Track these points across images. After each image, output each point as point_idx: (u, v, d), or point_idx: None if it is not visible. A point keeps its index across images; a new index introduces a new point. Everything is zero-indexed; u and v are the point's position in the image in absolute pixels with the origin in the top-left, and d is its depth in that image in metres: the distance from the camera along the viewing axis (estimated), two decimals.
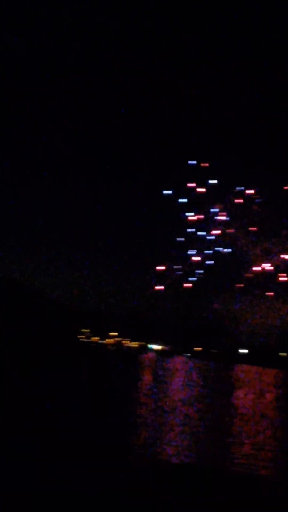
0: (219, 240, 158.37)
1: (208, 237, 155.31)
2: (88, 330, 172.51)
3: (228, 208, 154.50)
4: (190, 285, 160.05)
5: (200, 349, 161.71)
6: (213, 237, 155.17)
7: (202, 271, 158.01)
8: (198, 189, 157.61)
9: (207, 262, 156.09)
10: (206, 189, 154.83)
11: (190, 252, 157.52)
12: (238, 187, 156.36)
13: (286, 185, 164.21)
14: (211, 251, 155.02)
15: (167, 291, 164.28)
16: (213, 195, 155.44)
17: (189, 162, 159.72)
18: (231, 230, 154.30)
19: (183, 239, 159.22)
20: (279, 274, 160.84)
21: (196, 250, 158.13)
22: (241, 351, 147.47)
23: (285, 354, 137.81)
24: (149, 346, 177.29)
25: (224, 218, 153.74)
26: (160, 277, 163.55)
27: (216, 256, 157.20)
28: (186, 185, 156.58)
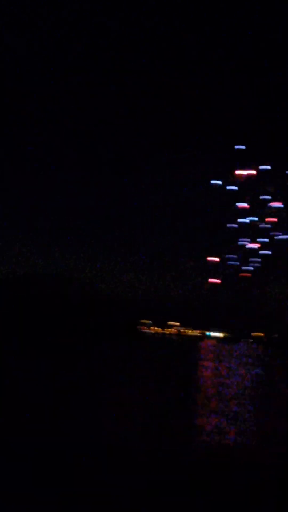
0: (276, 227, 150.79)
1: (262, 225, 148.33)
2: (148, 321, 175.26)
3: (283, 194, 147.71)
4: (248, 274, 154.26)
5: (261, 334, 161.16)
6: (268, 225, 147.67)
7: (259, 260, 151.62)
8: (248, 174, 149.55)
9: (263, 251, 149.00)
10: (257, 174, 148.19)
11: (242, 241, 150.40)
12: None
13: None
14: (266, 240, 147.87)
15: (223, 283, 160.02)
16: (265, 181, 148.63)
17: (236, 147, 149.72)
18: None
19: (236, 225, 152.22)
20: None
21: (250, 239, 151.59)
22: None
23: None
24: (208, 333, 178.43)
25: (278, 205, 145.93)
26: (215, 269, 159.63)
27: (274, 244, 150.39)
28: (234, 172, 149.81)
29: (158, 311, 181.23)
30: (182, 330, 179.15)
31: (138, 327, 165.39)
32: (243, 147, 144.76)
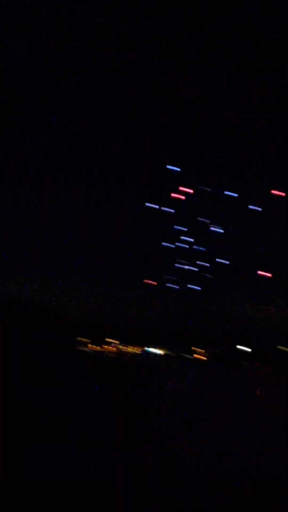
0: (215, 251, 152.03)
1: (200, 248, 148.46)
2: (84, 339, 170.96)
3: (219, 217, 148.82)
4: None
5: (201, 350, 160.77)
6: (204, 249, 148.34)
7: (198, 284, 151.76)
8: (185, 196, 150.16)
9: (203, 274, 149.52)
10: (196, 196, 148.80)
11: (179, 264, 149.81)
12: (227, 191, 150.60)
13: (273, 189, 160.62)
14: (208, 264, 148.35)
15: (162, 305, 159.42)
16: (204, 203, 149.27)
17: (171, 167, 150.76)
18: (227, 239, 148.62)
19: (173, 246, 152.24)
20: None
21: (188, 262, 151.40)
22: (243, 348, 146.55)
23: (284, 348, 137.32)
24: (148, 349, 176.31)
25: (216, 229, 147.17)
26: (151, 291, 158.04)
27: (214, 267, 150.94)
28: (170, 194, 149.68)
29: (95, 328, 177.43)
30: (121, 347, 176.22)
31: (75, 345, 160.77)
32: (178, 169, 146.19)
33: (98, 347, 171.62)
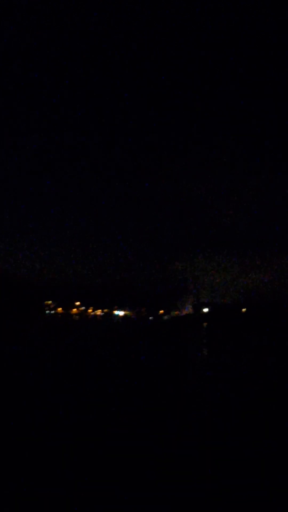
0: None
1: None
2: (51, 302, 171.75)
3: None
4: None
5: (162, 312, 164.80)
6: None
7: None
8: None
9: None
10: None
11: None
12: None
13: None
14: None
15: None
16: None
17: None
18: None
19: None
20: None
21: None
22: (204, 310, 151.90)
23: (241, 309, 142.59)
24: (115, 312, 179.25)
25: None
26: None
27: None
28: None
29: (63, 291, 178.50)
30: (88, 310, 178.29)
31: (42, 308, 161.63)
32: None
33: (65, 310, 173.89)
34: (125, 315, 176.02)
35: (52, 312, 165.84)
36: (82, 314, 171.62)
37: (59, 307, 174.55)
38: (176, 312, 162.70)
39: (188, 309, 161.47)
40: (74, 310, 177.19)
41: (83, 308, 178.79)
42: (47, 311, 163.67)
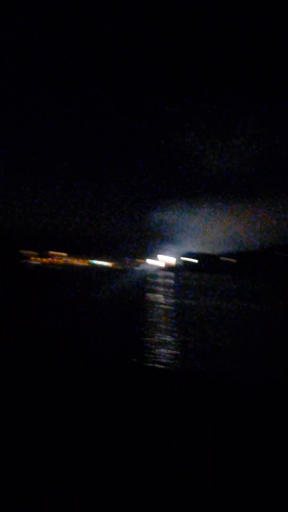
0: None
1: None
2: (29, 251, 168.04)
3: None
4: None
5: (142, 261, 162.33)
6: None
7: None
8: None
9: None
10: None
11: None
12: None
13: None
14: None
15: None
16: None
17: None
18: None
19: None
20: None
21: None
22: (192, 260, 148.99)
23: (227, 259, 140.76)
24: (93, 262, 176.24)
25: None
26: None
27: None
28: None
29: (41, 241, 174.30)
30: (68, 260, 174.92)
31: (20, 258, 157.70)
32: None
33: (44, 260, 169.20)
34: (107, 265, 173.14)
35: (33, 262, 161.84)
36: (64, 263, 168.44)
37: (39, 257, 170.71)
38: (163, 262, 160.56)
39: (175, 260, 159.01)
40: (54, 260, 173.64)
41: (65, 258, 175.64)
42: (25, 260, 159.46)
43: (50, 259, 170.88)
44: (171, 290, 41.49)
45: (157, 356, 11.66)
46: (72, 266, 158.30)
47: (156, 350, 12.51)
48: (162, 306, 24.58)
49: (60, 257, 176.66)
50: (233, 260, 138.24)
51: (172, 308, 23.73)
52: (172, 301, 28.29)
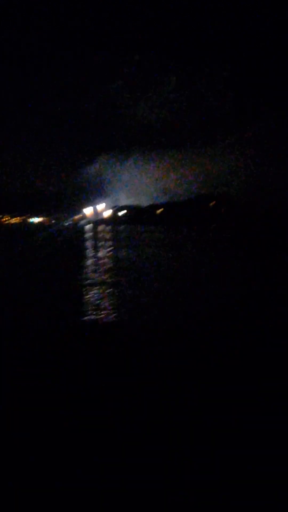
0: None
1: None
2: None
3: None
4: None
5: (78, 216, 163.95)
6: None
7: None
8: None
9: None
10: None
11: None
12: None
13: None
14: None
15: None
16: None
17: None
18: None
19: None
20: None
21: None
22: (121, 213, 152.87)
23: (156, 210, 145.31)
24: (31, 220, 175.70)
25: None
26: None
27: None
28: None
29: None
30: (3, 219, 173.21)
31: None
32: None
33: None
34: (40, 222, 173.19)
35: None
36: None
37: None
38: (94, 217, 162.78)
39: (106, 214, 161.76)
40: None
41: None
42: None
43: None
44: (100, 243, 43.73)
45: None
46: (5, 224, 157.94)
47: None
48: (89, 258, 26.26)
49: None
50: (159, 211, 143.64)
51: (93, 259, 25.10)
52: (97, 253, 30.95)
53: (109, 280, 16.88)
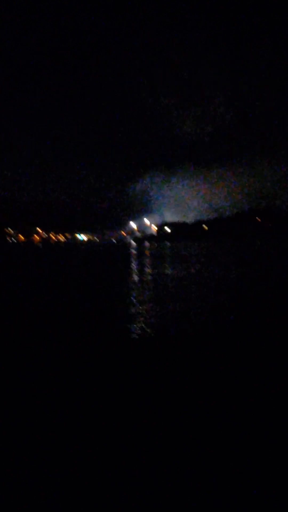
0: None
1: None
2: (11, 230, 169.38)
3: None
4: None
5: (125, 233, 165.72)
6: None
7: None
8: None
9: None
10: None
11: None
12: None
13: None
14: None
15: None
16: None
17: None
18: None
19: None
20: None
21: None
22: (166, 229, 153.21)
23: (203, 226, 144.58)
24: (78, 236, 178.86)
25: None
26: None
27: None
28: None
29: (22, 218, 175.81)
30: (51, 235, 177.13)
31: (2, 237, 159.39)
32: None
33: (27, 238, 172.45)
34: (88, 239, 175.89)
35: (14, 240, 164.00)
36: (45, 240, 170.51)
37: (20, 234, 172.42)
38: (141, 233, 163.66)
39: (151, 230, 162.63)
40: (36, 236, 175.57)
41: (45, 234, 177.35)
42: (8, 239, 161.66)
43: (35, 236, 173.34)
44: (148, 260, 43.26)
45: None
46: (52, 242, 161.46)
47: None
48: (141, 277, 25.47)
49: (43, 233, 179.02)
50: (205, 226, 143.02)
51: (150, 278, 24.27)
52: (150, 271, 29.38)
53: (160, 298, 16.31)
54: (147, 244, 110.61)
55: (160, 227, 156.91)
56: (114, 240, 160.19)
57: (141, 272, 28.39)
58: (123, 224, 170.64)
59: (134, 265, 36.50)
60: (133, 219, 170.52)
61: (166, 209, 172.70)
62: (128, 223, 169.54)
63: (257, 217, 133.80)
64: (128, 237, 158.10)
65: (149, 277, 24.49)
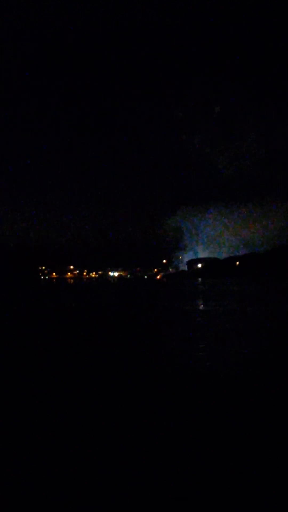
0: None
1: None
2: (44, 268, 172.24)
3: None
4: None
5: (156, 270, 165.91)
6: None
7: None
8: None
9: None
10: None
11: None
12: None
13: None
14: None
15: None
16: None
17: None
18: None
19: None
20: None
21: None
22: (198, 265, 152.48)
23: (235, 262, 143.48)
24: (110, 273, 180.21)
25: None
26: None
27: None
28: None
29: (56, 256, 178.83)
30: (83, 273, 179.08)
31: (36, 275, 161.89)
32: None
33: (59, 275, 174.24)
34: (119, 275, 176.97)
35: (47, 277, 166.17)
36: (77, 277, 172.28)
37: (53, 272, 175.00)
38: (172, 270, 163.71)
39: (183, 266, 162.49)
40: (69, 274, 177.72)
41: (77, 271, 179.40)
42: (42, 277, 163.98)
43: (64, 273, 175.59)
44: (179, 296, 43.16)
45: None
46: (84, 279, 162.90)
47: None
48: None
49: (72, 271, 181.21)
50: (237, 263, 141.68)
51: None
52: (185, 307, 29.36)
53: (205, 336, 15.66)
54: (180, 279, 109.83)
55: (192, 263, 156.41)
56: (145, 276, 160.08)
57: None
58: (155, 260, 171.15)
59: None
60: (165, 255, 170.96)
61: (198, 245, 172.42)
62: (160, 259, 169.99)
63: None
64: (162, 273, 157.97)
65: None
